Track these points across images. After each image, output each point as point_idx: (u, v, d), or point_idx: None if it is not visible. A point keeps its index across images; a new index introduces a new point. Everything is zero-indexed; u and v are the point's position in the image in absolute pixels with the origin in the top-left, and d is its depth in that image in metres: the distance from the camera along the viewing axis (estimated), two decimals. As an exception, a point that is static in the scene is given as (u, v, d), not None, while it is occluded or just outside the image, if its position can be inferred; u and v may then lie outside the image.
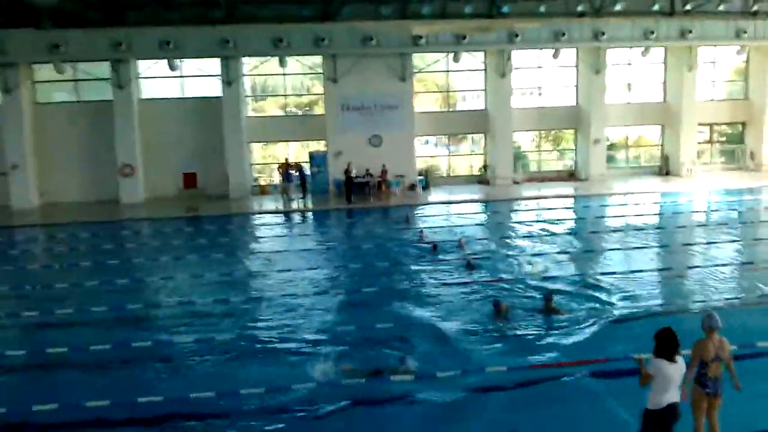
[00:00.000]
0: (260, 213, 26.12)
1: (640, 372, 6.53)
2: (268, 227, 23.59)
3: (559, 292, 13.00)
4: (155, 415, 8.45)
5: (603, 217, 23.32)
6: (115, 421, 8.40)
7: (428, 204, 26.73)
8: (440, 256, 16.72)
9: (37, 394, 9.14)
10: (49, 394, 9.10)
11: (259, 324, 12.22)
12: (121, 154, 28.30)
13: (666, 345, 6.34)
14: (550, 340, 10.60)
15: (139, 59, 28.26)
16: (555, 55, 29.24)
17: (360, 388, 9.01)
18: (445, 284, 14.19)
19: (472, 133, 32.61)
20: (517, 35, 28.02)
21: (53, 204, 28.33)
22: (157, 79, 29.21)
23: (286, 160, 28.49)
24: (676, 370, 6.36)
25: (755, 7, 29.23)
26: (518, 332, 10.99)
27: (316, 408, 8.51)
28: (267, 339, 11.26)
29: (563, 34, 28.19)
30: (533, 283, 14.06)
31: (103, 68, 28.10)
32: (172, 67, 27.64)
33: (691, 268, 15.35)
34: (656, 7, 28.80)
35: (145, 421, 8.40)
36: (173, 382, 9.53)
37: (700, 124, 32.29)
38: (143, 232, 23.15)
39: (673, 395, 6.39)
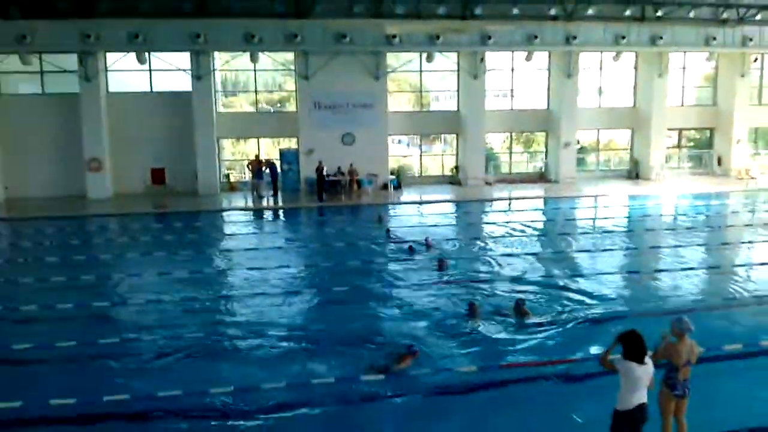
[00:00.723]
0: (230, 210, 25.85)
1: (606, 352, 6.64)
2: (237, 225, 23.41)
3: (528, 293, 13.12)
4: (122, 413, 8.28)
5: (572, 219, 23.45)
6: (81, 418, 8.21)
7: (400, 203, 26.71)
8: (413, 257, 16.67)
9: (1, 391, 8.89)
10: (14, 391, 8.85)
11: (227, 322, 12.08)
12: (88, 148, 27.78)
13: (634, 348, 6.36)
14: (522, 340, 10.61)
15: (107, 52, 27.76)
16: (528, 58, 29.41)
17: (329, 388, 8.91)
18: (415, 284, 14.14)
19: (445, 133, 32.67)
20: (490, 37, 28.08)
21: (18, 199, 27.69)
22: (126, 73, 28.70)
23: (257, 156, 28.24)
24: (645, 371, 6.38)
25: (725, 15, 29.71)
26: (491, 333, 10.97)
27: (286, 407, 8.41)
28: (235, 337, 11.12)
29: (536, 37, 28.33)
30: (504, 283, 14.11)
31: (71, 60, 27.52)
32: (141, 61, 27.21)
33: (658, 270, 15.46)
34: (628, 13, 29.11)
35: (110, 417, 8.22)
36: (140, 380, 9.34)
37: (669, 129, 32.73)
38: (110, 228, 22.77)
39: (641, 396, 6.42)
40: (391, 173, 30.28)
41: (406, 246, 17.72)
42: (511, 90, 32.23)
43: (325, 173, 27.08)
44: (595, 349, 9.87)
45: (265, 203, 26.67)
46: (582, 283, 13.94)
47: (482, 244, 18.74)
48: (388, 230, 19.87)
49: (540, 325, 11.29)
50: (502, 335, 10.87)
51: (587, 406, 8.19)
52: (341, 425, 8.17)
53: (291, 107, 30.69)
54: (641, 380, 6.36)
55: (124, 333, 11.39)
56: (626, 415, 6.41)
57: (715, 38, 29.65)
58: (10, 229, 22.61)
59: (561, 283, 14.13)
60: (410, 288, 13.86)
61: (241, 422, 8.14)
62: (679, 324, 6.91)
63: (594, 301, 12.69)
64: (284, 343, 10.74)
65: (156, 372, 9.71)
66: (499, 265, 15.95)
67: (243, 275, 15.39)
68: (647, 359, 6.41)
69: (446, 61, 30.69)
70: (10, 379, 9.62)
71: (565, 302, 12.63)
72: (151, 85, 29.21)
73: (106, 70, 28.21)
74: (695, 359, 6.96)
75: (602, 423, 6.71)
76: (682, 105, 33.52)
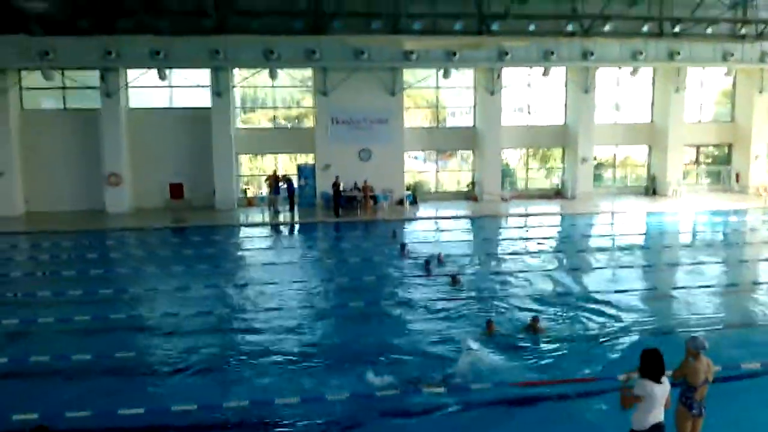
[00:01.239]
0: (247, 225, 26.03)
1: (622, 394, 6.51)
2: (254, 239, 23.54)
3: (543, 311, 13.11)
4: (136, 427, 8.36)
5: (589, 235, 23.35)
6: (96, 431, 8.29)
7: (416, 219, 26.71)
8: (429, 272, 16.70)
9: (18, 403, 9.01)
10: (30, 403, 8.97)
11: (243, 337, 12.15)
12: (108, 163, 28.11)
13: (653, 366, 6.34)
14: (537, 358, 10.59)
15: (128, 68, 28.11)
16: (545, 74, 29.42)
17: (343, 404, 8.93)
18: (430, 300, 14.16)
19: (461, 149, 32.70)
20: (507, 53, 28.15)
21: (38, 212, 28.03)
22: (147, 89, 29.04)
23: (275, 172, 28.42)
24: (663, 390, 6.37)
25: (743, 31, 29.52)
26: (507, 350, 10.97)
27: (299, 423, 8.44)
28: (250, 352, 11.18)
29: (552, 53, 28.37)
30: (520, 300, 14.09)
31: (92, 76, 27.94)
32: (162, 77, 27.52)
33: (676, 288, 15.35)
34: (645, 29, 29.03)
35: (126, 431, 8.28)
36: (155, 394, 9.42)
37: (686, 145, 32.57)
38: (129, 242, 22.98)
39: (658, 415, 6.41)
40: (407, 189, 30.34)
41: (420, 261, 17.79)
42: (528, 105, 32.25)
43: (341, 189, 27.17)
44: (609, 367, 9.87)
45: (281, 218, 26.79)
46: (598, 301, 13.87)
47: (498, 261, 18.74)
48: (402, 246, 19.91)
49: (554, 342, 11.26)
50: (518, 352, 10.85)
51: (604, 424, 8.17)
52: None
53: (309, 123, 30.88)
54: (658, 400, 6.34)
55: (140, 347, 11.50)
56: None
57: (732, 54, 29.51)
58: (29, 243, 22.88)
59: (577, 300, 14.08)
60: (424, 304, 13.88)
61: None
62: (694, 342, 6.88)
63: (610, 319, 12.64)
64: (299, 359, 10.78)
65: (171, 386, 9.80)
66: (516, 281, 15.93)
67: (259, 290, 15.44)
68: (664, 378, 6.39)
69: (463, 77, 30.76)
70: (27, 391, 9.71)
71: (581, 320, 12.60)
72: (171, 101, 29.56)
73: (127, 87, 28.55)
74: (712, 377, 6.92)
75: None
76: (700, 121, 33.36)
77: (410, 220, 26.56)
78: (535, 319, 11.98)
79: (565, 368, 10.14)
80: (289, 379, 9.90)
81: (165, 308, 13.86)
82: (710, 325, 12.22)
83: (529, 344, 11.24)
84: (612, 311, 13.11)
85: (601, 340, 11.47)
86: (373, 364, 10.21)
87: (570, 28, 28.65)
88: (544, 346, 11.12)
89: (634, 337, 11.46)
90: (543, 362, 10.45)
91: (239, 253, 21.45)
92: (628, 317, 12.76)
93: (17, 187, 27.93)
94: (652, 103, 32.62)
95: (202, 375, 10.19)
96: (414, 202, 29.96)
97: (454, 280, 15.53)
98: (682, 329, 11.74)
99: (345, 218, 26.42)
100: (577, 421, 8.47)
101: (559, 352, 10.85)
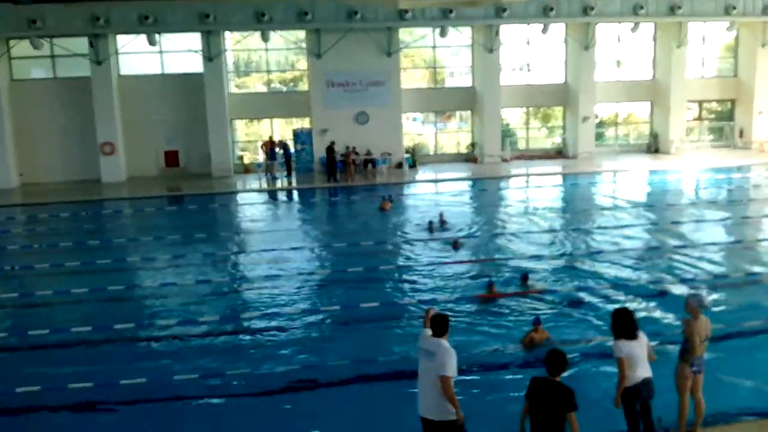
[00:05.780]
0: (244, 192, 25.73)
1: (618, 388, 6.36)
2: (252, 206, 23.36)
3: (541, 270, 13.03)
4: (138, 398, 8.23)
5: (591, 195, 23.08)
6: (98, 403, 8.20)
7: (415, 182, 26.42)
8: (430, 235, 16.56)
9: (19, 377, 8.89)
10: (31, 376, 8.85)
11: (243, 305, 12.06)
12: (101, 131, 27.71)
13: (624, 325, 6.33)
14: (523, 320, 10.38)
15: (117, 34, 27.56)
16: (544, 31, 28.87)
17: (344, 369, 8.77)
18: (431, 263, 14.05)
19: (460, 110, 32.26)
20: (505, 10, 27.56)
21: (33, 184, 27.73)
22: (137, 55, 28.52)
23: (270, 137, 28.04)
24: (641, 345, 6.34)
25: (745, -17, 28.96)
26: (500, 312, 10.88)
27: (299, 389, 8.30)
28: (249, 320, 11.08)
29: (552, 9, 27.80)
30: (516, 261, 13.96)
31: (81, 44, 27.39)
32: (151, 42, 27.00)
33: (678, 247, 15.09)
34: (646, -18, 28.47)
35: (128, 403, 8.16)
36: (156, 364, 9.28)
37: (689, 102, 32.10)
38: (125, 212, 22.72)
39: (644, 371, 6.34)
40: (406, 152, 29.96)
41: (411, 222, 18.09)
42: (527, 64, 31.72)
43: (336, 153, 26.57)
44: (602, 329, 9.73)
45: (279, 184, 26.50)
46: (597, 261, 13.75)
47: (498, 222, 18.55)
48: (382, 207, 20.26)
49: (547, 303, 11.16)
50: (510, 313, 10.76)
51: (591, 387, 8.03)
52: (353, 405, 8.04)
53: (304, 86, 30.38)
54: (638, 355, 6.30)
55: (140, 317, 11.34)
56: (633, 391, 6.31)
57: (735, 7, 28.92)
58: (25, 215, 22.62)
59: (575, 260, 13.95)
60: (426, 267, 13.77)
61: (256, 403, 8.13)
62: (695, 299, 6.76)
63: (608, 279, 12.50)
64: (299, 325, 10.65)
65: (172, 356, 9.66)
66: (516, 243, 15.78)
67: (257, 257, 15.29)
68: (640, 333, 6.36)
69: (460, 35, 30.16)
70: (28, 364, 9.59)
71: (577, 280, 12.47)
72: (162, 67, 29.05)
73: (117, 53, 28.05)
74: (709, 335, 6.82)
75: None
76: (702, 77, 32.82)
77: (409, 183, 26.26)
78: (524, 277, 11.98)
79: (557, 329, 9.93)
80: (289, 347, 9.74)
81: (164, 278, 13.65)
82: (713, 282, 12.06)
83: (519, 304, 11.05)
84: (612, 270, 12.98)
85: (597, 300, 11.28)
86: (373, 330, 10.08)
87: (569, -18, 28.10)
88: (538, 307, 10.92)
89: (634, 298, 11.23)
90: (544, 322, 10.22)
91: (237, 220, 21.35)
92: (628, 277, 12.61)
93: (11, 159, 27.57)
94: (654, 60, 32.08)
95: (203, 344, 10.04)
96: (413, 165, 29.61)
97: (455, 244, 15.37)
98: (685, 287, 11.55)
99: (343, 183, 26.08)
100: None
101: (552, 313, 10.68)
